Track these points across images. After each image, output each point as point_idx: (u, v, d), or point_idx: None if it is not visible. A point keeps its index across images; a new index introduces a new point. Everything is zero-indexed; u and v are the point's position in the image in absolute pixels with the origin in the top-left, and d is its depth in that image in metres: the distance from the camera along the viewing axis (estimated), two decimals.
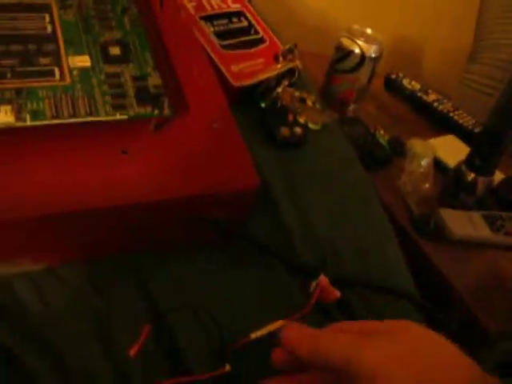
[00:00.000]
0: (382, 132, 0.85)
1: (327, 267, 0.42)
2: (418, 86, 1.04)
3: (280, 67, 0.58)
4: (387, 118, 0.95)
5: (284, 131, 0.53)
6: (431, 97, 1.02)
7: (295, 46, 0.60)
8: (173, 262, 0.39)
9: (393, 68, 1.43)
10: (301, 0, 1.29)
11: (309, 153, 0.55)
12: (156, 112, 0.44)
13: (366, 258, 0.47)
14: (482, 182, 0.73)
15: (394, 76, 1.07)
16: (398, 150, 0.82)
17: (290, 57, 0.59)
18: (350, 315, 0.42)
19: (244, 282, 0.40)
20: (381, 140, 0.83)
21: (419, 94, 1.02)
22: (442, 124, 0.96)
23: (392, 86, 1.06)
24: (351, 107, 0.87)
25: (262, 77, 0.57)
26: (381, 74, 1.10)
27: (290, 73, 0.59)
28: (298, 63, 0.59)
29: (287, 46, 0.60)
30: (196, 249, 0.40)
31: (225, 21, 0.63)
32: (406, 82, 1.05)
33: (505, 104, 0.67)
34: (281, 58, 0.59)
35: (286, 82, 0.59)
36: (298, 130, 0.54)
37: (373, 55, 0.81)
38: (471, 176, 0.73)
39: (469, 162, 0.73)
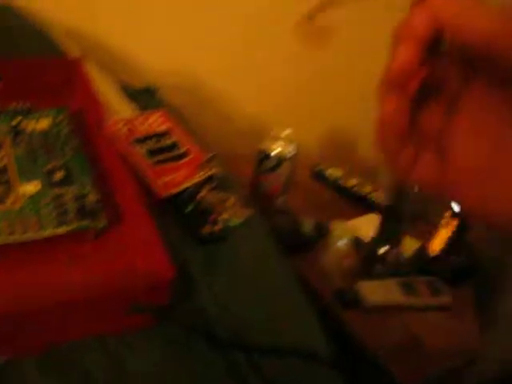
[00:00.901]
0: (306, 219, 0.98)
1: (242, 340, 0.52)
2: (340, 173, 1.20)
3: (201, 175, 0.70)
4: (314, 205, 1.09)
5: (206, 229, 0.64)
6: (352, 182, 1.16)
7: (214, 156, 0.74)
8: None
9: (326, 157, 1.61)
10: (234, 106, 1.46)
11: (230, 246, 0.66)
12: (94, 224, 0.55)
13: (280, 332, 0.57)
14: (391, 252, 0.85)
15: (319, 166, 1.23)
16: (323, 233, 0.95)
17: (210, 165, 0.72)
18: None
19: (170, 362, 0.50)
20: (306, 226, 0.95)
21: (341, 181, 1.17)
22: (363, 205, 1.10)
23: (318, 175, 1.21)
24: (279, 200, 1.00)
25: (187, 185, 0.69)
26: (309, 165, 1.26)
27: (211, 179, 0.72)
28: (217, 170, 0.72)
29: (207, 157, 0.73)
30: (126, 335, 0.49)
31: (154, 140, 0.76)
32: (330, 170, 1.20)
33: (398, 182, 0.81)
34: (202, 167, 0.72)
35: (208, 187, 0.71)
36: (217, 227, 0.66)
37: (290, 154, 0.96)
38: (382, 248, 0.86)
39: (378, 236, 0.86)
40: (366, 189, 1.14)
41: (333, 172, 1.20)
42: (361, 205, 1.09)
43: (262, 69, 1.46)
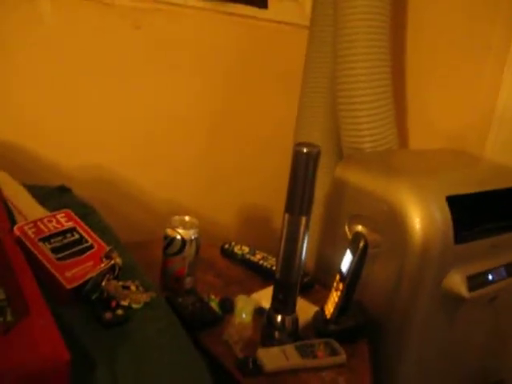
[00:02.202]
0: (212, 296, 1.09)
1: None
2: (246, 250, 1.32)
3: (102, 266, 0.80)
4: (222, 282, 1.20)
5: (107, 315, 0.74)
6: (257, 257, 1.29)
7: (113, 248, 0.85)
8: None
9: (234, 235, 1.74)
10: (146, 194, 1.58)
11: (133, 327, 0.76)
12: (1, 319, 0.63)
13: None
14: (287, 320, 0.97)
15: (227, 245, 1.35)
16: (228, 308, 1.05)
17: (111, 256, 0.83)
18: None
19: None
20: (212, 303, 1.06)
21: (247, 256, 1.29)
22: (269, 277, 1.21)
23: (226, 252, 1.33)
24: (187, 280, 1.10)
25: (90, 276, 0.79)
26: (218, 244, 1.38)
27: (113, 268, 0.82)
28: (117, 260, 0.82)
29: (107, 249, 0.84)
30: None
31: (60, 237, 0.86)
32: (237, 247, 1.33)
33: (283, 256, 0.94)
34: (105, 259, 0.82)
35: (110, 276, 0.81)
36: (119, 312, 0.75)
37: (192, 237, 1.07)
38: (278, 317, 0.97)
39: (273, 305, 0.97)
40: (270, 262, 1.26)
41: (240, 248, 1.32)
42: (266, 277, 1.21)
43: (174, 160, 1.60)
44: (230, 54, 1.62)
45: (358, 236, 0.96)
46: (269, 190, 1.70)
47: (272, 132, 1.77)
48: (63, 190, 1.21)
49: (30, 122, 1.34)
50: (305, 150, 0.80)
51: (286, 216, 0.89)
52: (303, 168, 0.81)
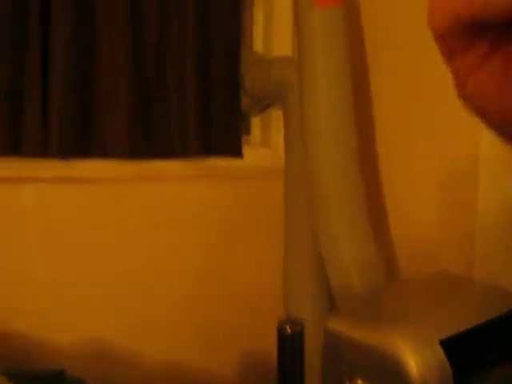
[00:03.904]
0: None
1: None
2: None
3: None
4: None
5: None
6: None
7: None
8: None
9: None
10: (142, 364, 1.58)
11: None
12: None
13: None
14: None
15: None
16: None
17: None
18: None
19: None
20: None
21: None
22: None
23: None
24: None
25: None
26: None
27: None
28: None
29: None
30: None
31: None
32: None
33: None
34: None
35: None
36: None
37: None
38: None
39: None
40: None
41: None
42: None
43: (166, 322, 1.63)
44: (209, 206, 1.70)
45: None
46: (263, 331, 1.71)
47: (258, 276, 1.81)
48: (56, 376, 1.22)
49: (16, 301, 1.38)
50: (289, 331, 0.84)
51: None
52: (289, 348, 0.85)
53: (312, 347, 1.14)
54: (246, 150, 1.77)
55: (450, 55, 0.29)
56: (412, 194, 1.62)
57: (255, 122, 1.91)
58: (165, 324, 1.64)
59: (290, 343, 0.85)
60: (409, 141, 1.61)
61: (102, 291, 1.49)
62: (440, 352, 1.08)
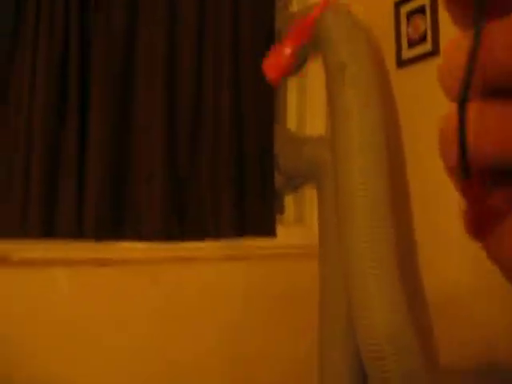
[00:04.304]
0: None
1: None
2: None
3: None
4: None
5: None
6: None
7: None
8: None
9: None
10: None
11: None
12: None
13: None
14: None
15: None
16: None
17: None
18: None
19: None
20: None
21: None
22: None
23: None
24: None
25: None
26: None
27: None
28: None
29: None
30: None
31: None
32: None
33: None
34: None
35: None
36: None
37: None
38: None
39: None
40: None
41: None
42: None
43: None
44: (242, 287, 1.67)
45: None
46: None
47: (291, 362, 1.75)
48: None
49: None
50: None
51: None
52: None
53: None
54: (279, 229, 1.75)
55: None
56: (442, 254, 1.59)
57: (288, 200, 1.90)
58: None
59: None
60: (441, 200, 1.58)
61: (134, 373, 1.46)
62: None
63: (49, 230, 1.39)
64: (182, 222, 1.56)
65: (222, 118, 1.63)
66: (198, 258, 1.58)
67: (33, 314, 1.33)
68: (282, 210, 1.89)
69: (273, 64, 0.25)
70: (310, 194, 1.82)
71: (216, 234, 1.61)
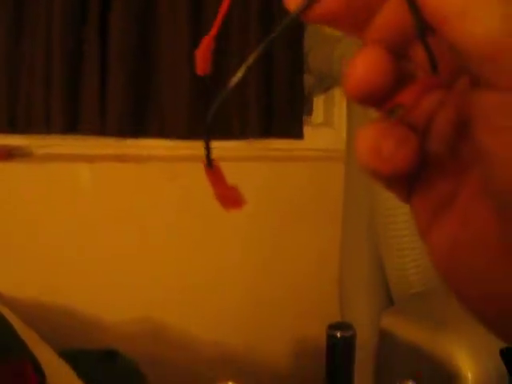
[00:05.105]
0: None
1: None
2: None
3: None
4: None
5: None
6: None
7: None
8: None
9: None
10: (190, 341, 1.60)
11: None
12: None
13: None
14: None
15: None
16: None
17: None
18: None
19: None
20: None
21: None
22: None
23: None
24: None
25: None
26: None
27: None
28: None
29: None
30: None
31: None
32: None
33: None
34: None
35: None
36: None
37: None
38: None
39: None
40: None
41: None
42: None
43: (219, 302, 1.64)
44: (267, 188, 1.68)
45: None
46: (317, 318, 1.70)
47: (316, 264, 1.79)
48: (109, 355, 1.25)
49: (68, 280, 1.42)
50: (339, 335, 0.82)
51: None
52: (339, 354, 0.83)
53: (366, 346, 1.12)
54: (306, 131, 1.73)
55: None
56: None
57: (317, 102, 1.86)
58: (215, 305, 1.65)
59: (340, 348, 0.83)
60: None
61: (153, 270, 1.51)
62: (499, 362, 1.03)
63: (72, 127, 1.39)
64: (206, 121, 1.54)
65: (252, 13, 1.56)
66: (222, 157, 1.57)
67: (56, 208, 1.37)
68: (310, 112, 1.85)
69: (201, 56, 0.28)
70: (340, 95, 1.77)
71: (241, 134, 1.60)
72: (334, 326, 0.85)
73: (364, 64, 0.23)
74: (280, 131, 1.68)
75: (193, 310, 1.61)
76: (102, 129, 1.42)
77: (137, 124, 1.47)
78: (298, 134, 1.72)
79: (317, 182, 1.75)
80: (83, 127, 1.40)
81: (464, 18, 0.19)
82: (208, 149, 0.29)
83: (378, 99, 0.24)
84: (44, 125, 1.36)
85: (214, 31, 0.28)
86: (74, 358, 1.16)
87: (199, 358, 1.62)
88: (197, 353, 1.62)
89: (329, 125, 1.83)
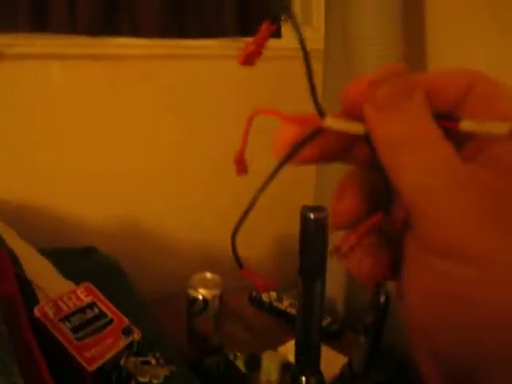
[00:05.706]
0: (239, 354, 1.13)
1: None
2: (274, 296, 1.36)
3: (121, 344, 0.86)
4: (249, 334, 1.25)
5: None
6: (285, 303, 1.33)
7: (130, 324, 0.90)
8: None
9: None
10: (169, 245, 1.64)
11: None
12: None
13: None
14: (312, 381, 1.00)
15: (254, 293, 1.39)
16: (255, 366, 1.10)
17: (129, 332, 0.88)
18: None
19: None
20: (237, 362, 1.11)
21: (275, 304, 1.34)
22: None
23: (253, 300, 1.38)
24: (213, 338, 1.15)
25: (110, 355, 0.85)
26: (246, 291, 1.42)
27: (131, 345, 0.88)
28: (136, 336, 0.88)
29: (125, 325, 0.89)
30: None
31: (80, 315, 0.92)
32: (264, 295, 1.37)
33: (301, 320, 0.97)
34: (123, 335, 0.88)
35: (129, 353, 0.87)
36: None
37: (214, 296, 1.12)
38: (303, 378, 1.00)
39: (297, 366, 1.01)
40: None
41: (268, 296, 1.37)
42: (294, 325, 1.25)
43: (202, 202, 1.66)
44: (243, 87, 1.66)
45: (378, 290, 1.00)
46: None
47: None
48: (88, 252, 1.28)
49: (46, 180, 1.42)
50: (312, 216, 0.84)
51: (300, 280, 0.93)
52: (312, 234, 0.85)
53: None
54: (284, 30, 1.69)
55: None
56: None
57: (295, 1, 1.82)
58: (193, 203, 1.67)
59: (313, 230, 0.85)
60: None
61: (131, 168, 1.52)
62: None
63: (40, 25, 1.35)
64: (181, 18, 1.51)
65: None
66: (198, 55, 1.54)
67: (29, 106, 1.35)
68: (288, 11, 1.80)
69: (238, 163, 0.36)
70: None
71: (218, 32, 1.57)
72: (307, 208, 0.86)
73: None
74: (256, 30, 1.64)
75: (173, 208, 1.63)
76: (72, 27, 1.39)
77: (108, 22, 1.43)
78: (275, 33, 1.69)
79: (295, 80, 1.74)
80: (52, 25, 1.36)
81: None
82: (237, 258, 0.35)
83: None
84: (11, 23, 1.32)
85: (243, 146, 0.34)
86: (52, 255, 1.18)
87: (177, 253, 1.66)
88: (175, 249, 1.65)
89: (307, 23, 1.79)
